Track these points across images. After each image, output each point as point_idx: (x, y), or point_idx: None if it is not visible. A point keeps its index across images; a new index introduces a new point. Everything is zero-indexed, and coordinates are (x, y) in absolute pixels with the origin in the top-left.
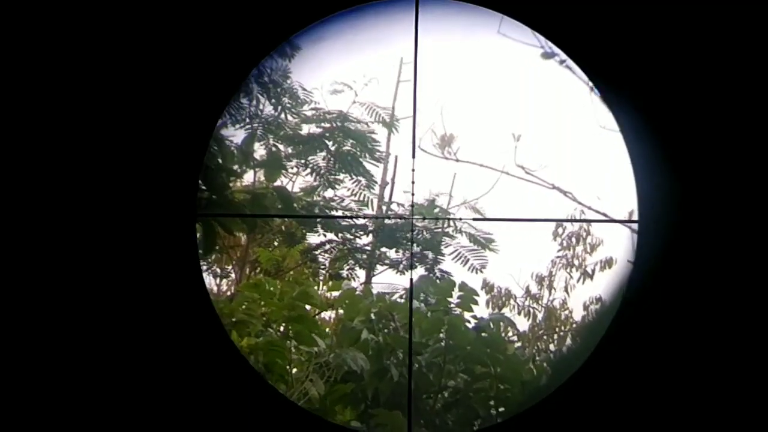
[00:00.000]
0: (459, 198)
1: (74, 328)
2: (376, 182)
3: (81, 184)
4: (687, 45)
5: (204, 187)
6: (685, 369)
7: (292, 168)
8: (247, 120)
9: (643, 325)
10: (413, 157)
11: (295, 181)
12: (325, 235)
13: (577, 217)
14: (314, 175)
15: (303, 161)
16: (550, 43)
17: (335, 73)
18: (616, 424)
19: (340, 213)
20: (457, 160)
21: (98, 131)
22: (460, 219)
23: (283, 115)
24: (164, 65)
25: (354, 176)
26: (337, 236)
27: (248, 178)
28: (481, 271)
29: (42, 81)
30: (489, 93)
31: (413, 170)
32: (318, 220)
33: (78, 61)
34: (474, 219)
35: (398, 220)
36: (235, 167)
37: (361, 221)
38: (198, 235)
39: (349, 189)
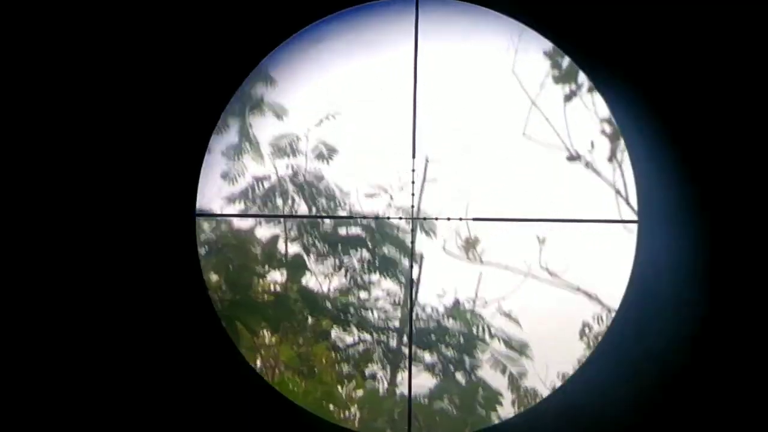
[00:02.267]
0: (485, 299)
1: (75, 327)
2: (411, 282)
3: (81, 184)
4: (687, 45)
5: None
6: (684, 369)
7: (327, 269)
8: (281, 221)
9: (643, 324)
10: (413, 157)
11: (331, 281)
12: (359, 337)
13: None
14: (349, 276)
15: (338, 262)
16: (575, 147)
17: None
18: (615, 424)
19: (374, 314)
20: (482, 262)
21: (99, 132)
22: (460, 219)
23: (318, 217)
24: (165, 66)
25: (388, 277)
26: (369, 335)
27: (276, 277)
28: (520, 380)
29: (42, 82)
30: (514, 194)
31: (413, 170)
32: (351, 319)
33: (79, 67)
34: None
35: (432, 322)
36: (258, 267)
37: (393, 324)
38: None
39: (384, 290)
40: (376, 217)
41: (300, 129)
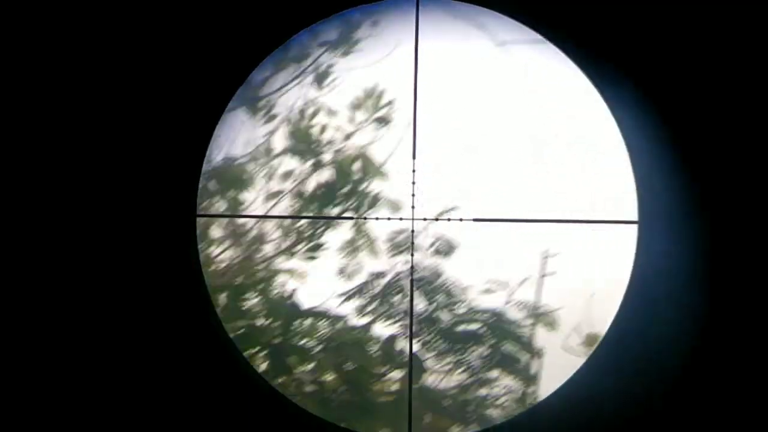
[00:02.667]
0: None
1: (75, 328)
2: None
3: (82, 184)
4: (687, 45)
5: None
6: (685, 368)
7: (446, 366)
8: (398, 317)
9: (643, 324)
10: (413, 158)
11: (450, 377)
12: None
13: None
14: (468, 373)
15: (457, 359)
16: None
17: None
18: (615, 424)
19: (496, 411)
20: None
21: (99, 132)
22: (460, 219)
23: (436, 313)
24: (165, 67)
25: (511, 373)
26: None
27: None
28: None
29: (43, 84)
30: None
31: (414, 171)
32: (470, 416)
33: (80, 67)
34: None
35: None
36: (377, 369)
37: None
38: None
39: (504, 387)
40: (376, 218)
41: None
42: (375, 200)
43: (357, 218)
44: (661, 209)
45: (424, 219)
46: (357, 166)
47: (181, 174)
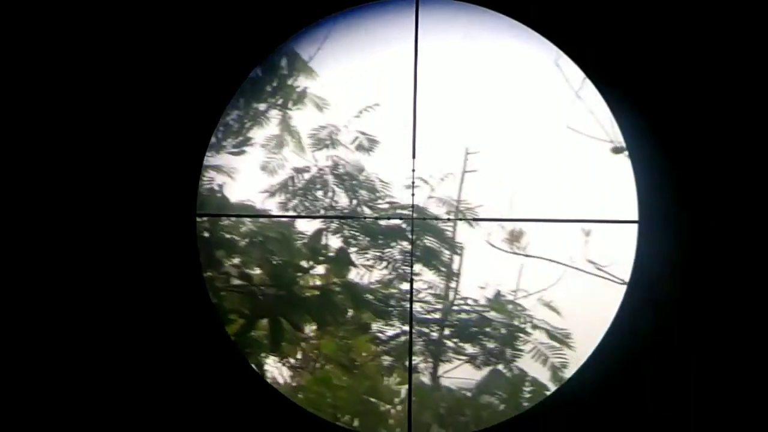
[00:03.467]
0: (527, 291)
1: (75, 328)
2: (455, 275)
3: (82, 184)
4: (688, 47)
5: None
6: (684, 368)
7: (368, 261)
8: (322, 212)
9: (643, 324)
10: (413, 157)
11: (372, 273)
12: (401, 328)
13: None
14: (390, 268)
15: (379, 254)
16: (620, 137)
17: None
18: (615, 424)
19: (417, 306)
20: (526, 255)
21: (99, 132)
22: (461, 219)
23: (358, 208)
24: (165, 66)
25: (432, 268)
26: (410, 328)
27: (319, 271)
28: (562, 371)
29: (43, 83)
30: (559, 185)
31: (413, 170)
32: (392, 310)
33: (80, 68)
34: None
35: (474, 313)
36: (304, 263)
37: (434, 315)
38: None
39: (426, 282)
40: (377, 218)
41: (340, 120)
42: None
43: (357, 218)
44: (662, 209)
45: (424, 219)
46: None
47: (181, 174)
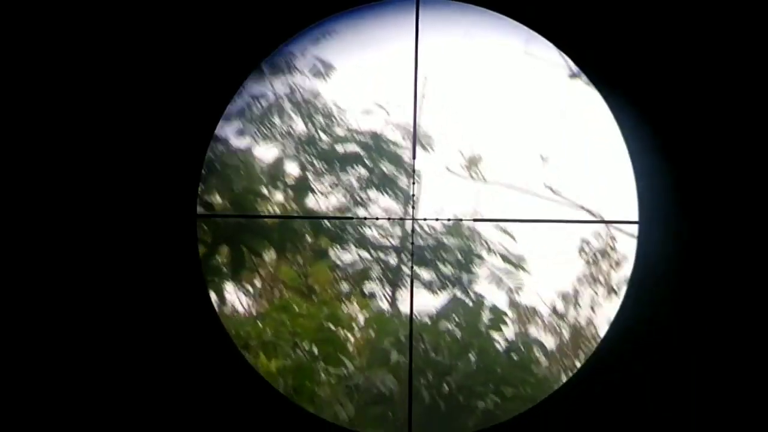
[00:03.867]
0: (485, 216)
1: (75, 327)
2: (411, 199)
3: (82, 184)
4: (688, 47)
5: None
6: (684, 368)
7: (324, 187)
8: (278, 138)
9: (643, 324)
10: (413, 158)
11: (328, 199)
12: (359, 255)
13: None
14: (347, 194)
15: (336, 181)
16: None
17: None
18: (615, 424)
19: (373, 231)
20: (485, 181)
21: (99, 133)
22: (461, 220)
23: (315, 134)
24: (165, 67)
25: (389, 193)
26: (368, 254)
27: (279, 198)
28: (517, 293)
29: (43, 83)
30: (516, 112)
31: (414, 170)
32: (350, 238)
33: (80, 68)
34: (474, 220)
35: (430, 238)
36: (264, 190)
37: (393, 242)
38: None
39: (382, 207)
40: (376, 218)
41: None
42: None
43: (357, 219)
44: (662, 209)
45: (425, 219)
46: None
47: (181, 174)
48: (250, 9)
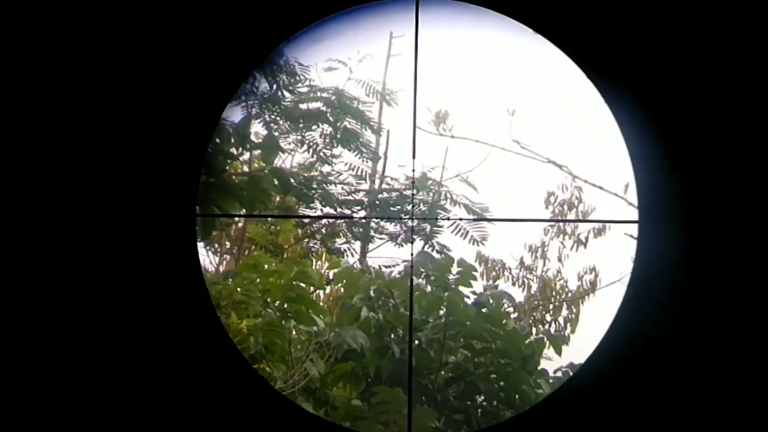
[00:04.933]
0: (453, 171)
1: (74, 326)
2: (376, 156)
3: (81, 184)
4: (687, 43)
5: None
6: (684, 368)
7: (289, 145)
8: (243, 98)
9: (643, 324)
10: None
11: (294, 157)
12: (322, 210)
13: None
14: (311, 151)
15: (300, 138)
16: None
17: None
18: (615, 424)
19: (338, 188)
20: (452, 137)
21: (98, 131)
22: (460, 219)
23: (279, 93)
24: (166, 65)
25: (354, 149)
26: (334, 210)
27: (246, 158)
28: (482, 244)
29: (42, 81)
30: (483, 70)
31: (413, 170)
32: (314, 194)
33: (79, 67)
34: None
35: (394, 192)
36: (233, 150)
37: (357, 197)
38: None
39: (347, 164)
40: (376, 218)
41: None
42: None
43: (357, 219)
44: (662, 209)
45: (425, 219)
46: None
47: (180, 174)
48: (248, 9)
